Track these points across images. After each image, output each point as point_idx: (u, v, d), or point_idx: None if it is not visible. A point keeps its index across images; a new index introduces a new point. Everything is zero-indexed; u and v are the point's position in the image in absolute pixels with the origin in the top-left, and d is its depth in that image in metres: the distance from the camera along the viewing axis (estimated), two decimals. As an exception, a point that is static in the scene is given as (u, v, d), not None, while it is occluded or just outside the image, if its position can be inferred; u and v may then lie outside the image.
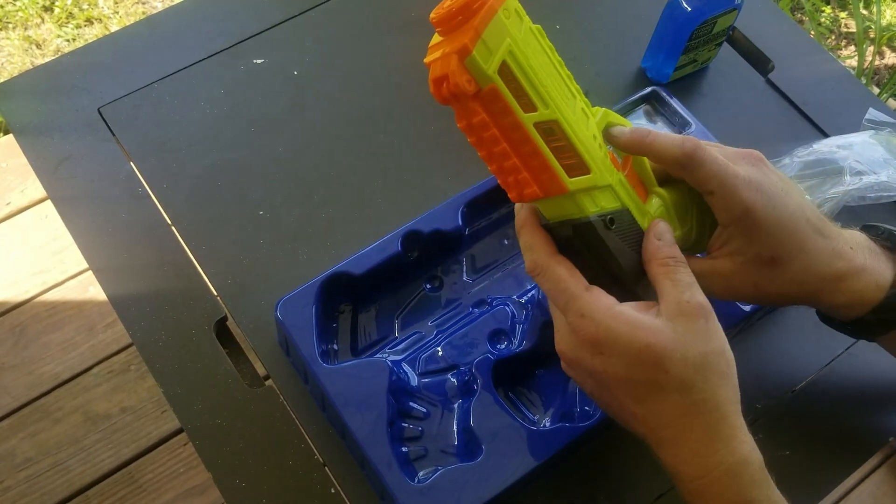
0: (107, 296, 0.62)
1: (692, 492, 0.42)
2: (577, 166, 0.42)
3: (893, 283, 0.48)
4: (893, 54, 1.81)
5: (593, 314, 0.42)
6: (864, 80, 1.59)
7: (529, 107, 0.40)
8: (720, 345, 0.42)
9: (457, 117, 0.40)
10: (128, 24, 1.43)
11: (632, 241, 0.45)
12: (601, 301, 0.42)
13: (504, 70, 0.38)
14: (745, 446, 0.41)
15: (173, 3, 0.83)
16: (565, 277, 0.43)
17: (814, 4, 1.86)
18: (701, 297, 0.42)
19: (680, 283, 0.43)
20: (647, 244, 0.45)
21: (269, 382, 0.59)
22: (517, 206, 0.46)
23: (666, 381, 0.41)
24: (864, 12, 1.83)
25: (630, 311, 0.42)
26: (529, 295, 0.59)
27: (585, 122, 0.43)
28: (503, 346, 0.56)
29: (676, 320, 0.41)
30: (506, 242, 0.63)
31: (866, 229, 0.51)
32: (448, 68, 0.37)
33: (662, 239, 0.45)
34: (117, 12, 1.79)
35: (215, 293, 0.62)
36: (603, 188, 0.44)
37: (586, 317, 0.42)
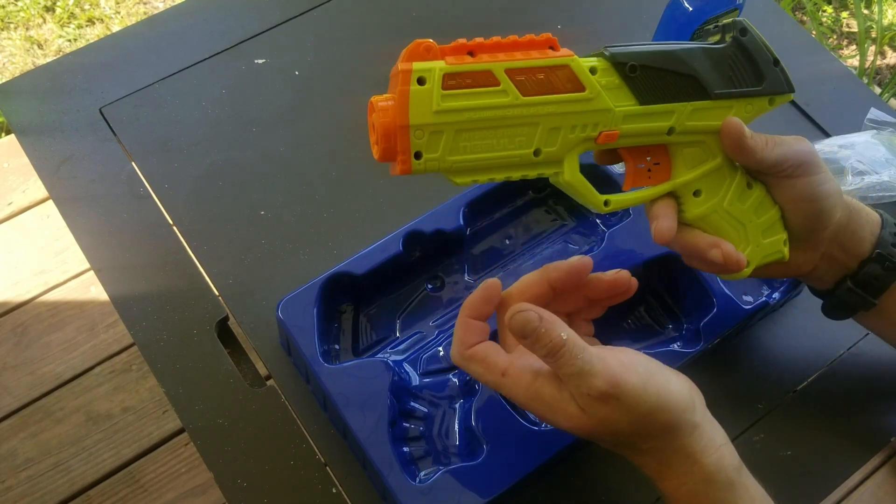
0: (108, 296, 0.62)
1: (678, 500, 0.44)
2: None
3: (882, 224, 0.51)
4: (895, 54, 1.81)
5: (518, 399, 0.44)
6: (865, 80, 1.59)
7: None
8: (646, 410, 0.41)
9: None
10: (129, 24, 1.43)
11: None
12: (519, 385, 0.43)
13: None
14: (709, 466, 0.42)
15: (175, 4, 0.83)
16: (481, 371, 0.45)
17: (815, 4, 1.86)
18: (599, 382, 0.40)
19: (570, 378, 0.41)
20: (521, 345, 0.44)
21: (270, 382, 0.59)
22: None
23: (605, 443, 0.44)
24: (866, 12, 1.83)
25: (547, 393, 0.43)
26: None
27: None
28: (504, 346, 0.56)
29: (592, 409, 0.41)
30: (507, 242, 0.63)
31: None
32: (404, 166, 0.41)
33: (527, 336, 0.42)
34: (119, 12, 1.79)
35: (217, 293, 0.62)
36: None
37: (515, 399, 0.44)
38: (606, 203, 0.46)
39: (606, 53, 0.43)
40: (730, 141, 0.45)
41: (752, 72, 0.45)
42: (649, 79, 0.43)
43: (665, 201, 0.47)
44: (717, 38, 0.46)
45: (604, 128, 0.43)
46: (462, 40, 0.40)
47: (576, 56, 0.42)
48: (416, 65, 0.39)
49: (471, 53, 0.40)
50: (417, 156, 0.40)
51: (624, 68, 0.43)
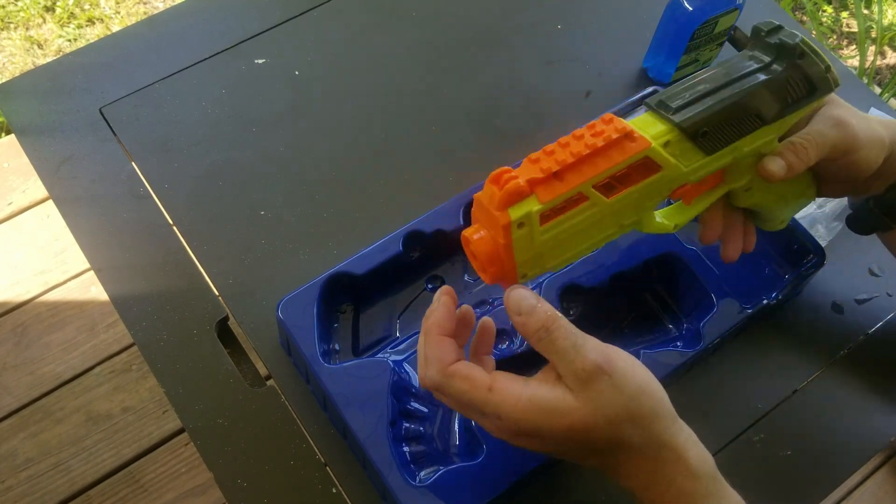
0: (108, 296, 0.62)
1: None
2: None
3: None
4: (895, 54, 1.80)
5: (508, 414, 0.41)
6: (865, 80, 1.59)
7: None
8: (635, 387, 0.41)
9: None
10: (129, 24, 1.43)
11: None
12: (508, 398, 0.41)
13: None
14: (692, 462, 0.42)
15: (175, 3, 0.83)
16: (466, 389, 0.42)
17: (815, 4, 1.86)
18: (592, 355, 0.40)
19: (563, 351, 0.41)
20: (515, 325, 0.43)
21: (270, 382, 0.59)
22: (423, 324, 0.45)
23: (599, 447, 0.42)
24: (866, 12, 1.83)
25: (540, 396, 0.41)
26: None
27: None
28: (504, 346, 0.56)
29: (584, 390, 0.41)
30: (507, 242, 0.63)
31: None
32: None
33: (522, 312, 0.42)
34: (119, 12, 1.79)
35: (217, 293, 0.62)
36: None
37: (502, 418, 0.42)
38: (676, 226, 0.49)
39: (678, 121, 0.43)
40: (769, 178, 0.48)
41: (806, 87, 0.46)
42: (717, 133, 0.45)
43: (716, 204, 0.50)
44: (771, 57, 0.46)
45: (677, 185, 0.45)
46: (541, 159, 0.41)
47: (651, 142, 0.42)
48: (513, 212, 0.40)
49: (557, 174, 0.41)
50: (523, 277, 0.43)
51: (696, 134, 0.44)
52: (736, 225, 0.53)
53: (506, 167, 0.41)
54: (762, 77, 0.45)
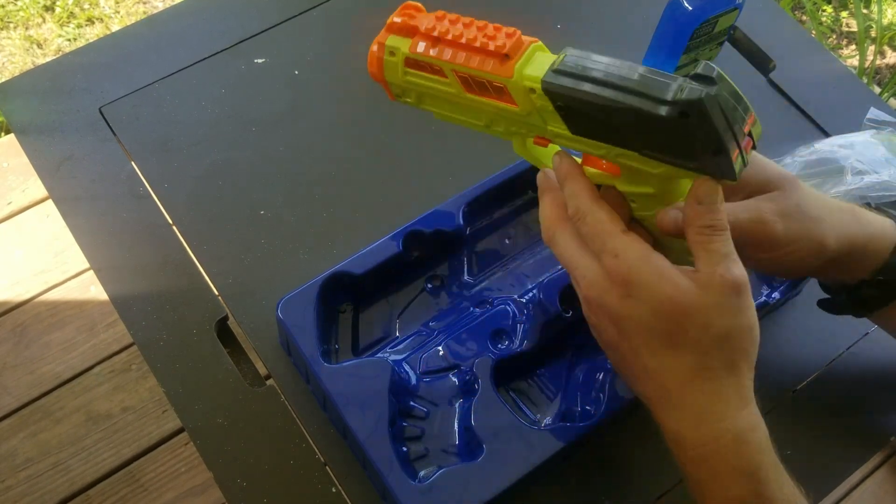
0: (108, 295, 0.62)
1: (695, 459, 0.42)
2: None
3: None
4: (894, 53, 1.81)
5: (627, 255, 0.41)
6: (865, 80, 1.59)
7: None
8: (748, 322, 0.41)
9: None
10: (129, 23, 1.43)
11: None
12: (637, 244, 0.42)
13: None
14: (755, 416, 0.42)
15: (174, 3, 0.83)
16: (605, 219, 0.43)
17: (815, 4, 1.86)
18: (737, 271, 0.41)
19: (716, 253, 0.41)
20: (687, 208, 0.42)
21: (270, 382, 0.59)
22: (555, 160, 0.45)
23: (683, 341, 0.41)
24: (866, 11, 1.83)
25: (664, 263, 0.41)
26: (530, 294, 0.59)
27: None
28: (504, 346, 0.56)
29: (708, 290, 0.41)
30: (507, 242, 0.63)
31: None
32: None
33: (703, 203, 0.41)
34: (118, 12, 1.79)
35: (216, 293, 0.62)
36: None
37: (620, 257, 0.42)
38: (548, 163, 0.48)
39: (543, 79, 0.41)
40: (658, 226, 0.45)
41: (683, 150, 0.40)
42: (579, 117, 0.42)
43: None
44: (675, 97, 0.38)
45: (539, 134, 0.45)
46: (442, 19, 0.45)
47: (517, 75, 0.42)
48: (390, 40, 0.47)
49: (434, 39, 0.45)
50: (396, 96, 0.49)
51: (554, 103, 0.42)
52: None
53: (417, 4, 0.47)
54: (639, 104, 0.39)
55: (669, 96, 0.38)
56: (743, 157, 0.40)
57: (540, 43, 0.44)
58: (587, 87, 0.40)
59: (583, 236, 0.44)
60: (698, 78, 0.38)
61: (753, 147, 0.41)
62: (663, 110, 0.38)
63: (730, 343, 0.41)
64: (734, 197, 0.48)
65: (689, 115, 0.38)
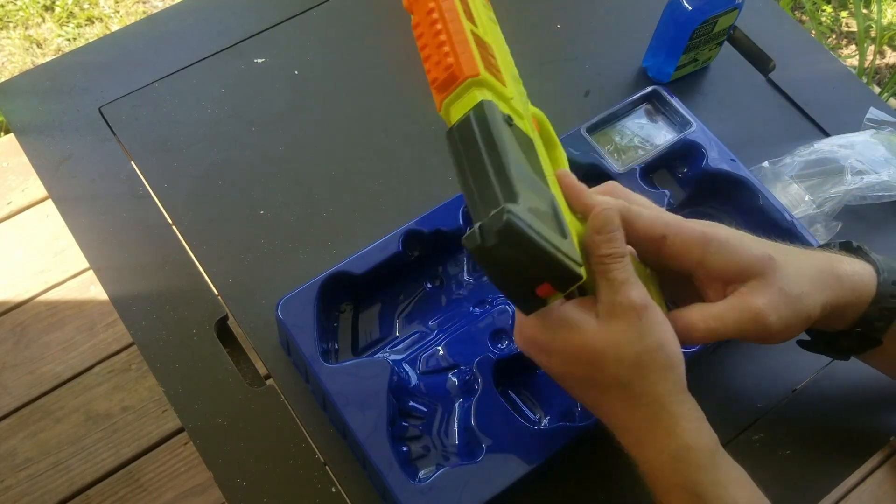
0: (108, 295, 0.62)
1: (644, 475, 0.45)
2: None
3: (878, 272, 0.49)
4: (894, 53, 1.81)
5: (535, 315, 0.43)
6: (864, 80, 1.59)
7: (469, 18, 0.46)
8: (656, 340, 0.43)
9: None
10: (128, 23, 1.43)
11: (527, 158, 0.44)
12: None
13: None
14: (688, 433, 0.43)
15: (174, 3, 0.83)
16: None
17: (815, 3, 1.86)
18: (635, 294, 0.42)
19: (614, 281, 0.43)
20: (587, 238, 0.44)
21: (269, 382, 0.59)
22: None
23: (602, 379, 0.43)
24: (865, 11, 1.83)
25: (570, 312, 0.43)
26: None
27: (512, 71, 0.50)
28: (504, 346, 0.56)
29: (611, 322, 0.42)
30: (507, 242, 0.63)
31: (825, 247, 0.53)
32: None
33: (601, 233, 0.43)
34: (118, 12, 1.79)
35: (216, 293, 0.62)
36: (511, 100, 0.46)
37: (523, 324, 0.45)
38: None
39: (448, 132, 0.44)
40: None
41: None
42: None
43: None
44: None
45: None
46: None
47: (443, 112, 0.45)
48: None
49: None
50: None
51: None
52: None
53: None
54: (469, 207, 0.41)
55: (479, 225, 0.38)
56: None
57: (479, 77, 0.43)
58: (464, 159, 0.42)
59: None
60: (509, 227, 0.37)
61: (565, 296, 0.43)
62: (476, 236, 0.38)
63: (646, 366, 0.42)
64: (711, 286, 0.47)
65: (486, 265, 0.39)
